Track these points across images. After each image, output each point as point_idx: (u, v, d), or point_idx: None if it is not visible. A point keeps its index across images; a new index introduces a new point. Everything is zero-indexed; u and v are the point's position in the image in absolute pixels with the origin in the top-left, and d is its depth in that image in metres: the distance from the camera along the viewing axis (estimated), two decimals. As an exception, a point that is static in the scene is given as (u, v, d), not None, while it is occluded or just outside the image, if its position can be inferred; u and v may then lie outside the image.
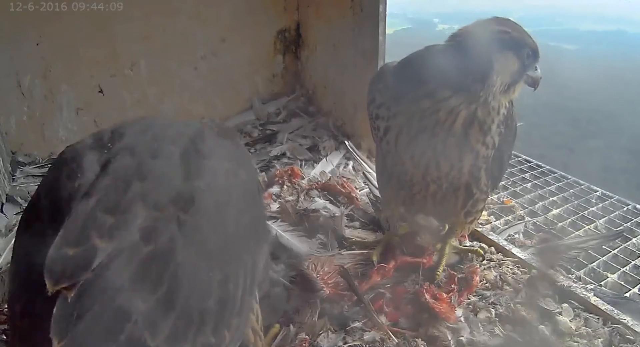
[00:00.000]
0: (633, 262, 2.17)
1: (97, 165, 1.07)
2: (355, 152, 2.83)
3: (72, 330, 0.82)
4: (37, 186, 2.79)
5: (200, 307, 0.95)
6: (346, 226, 2.26)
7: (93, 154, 1.11)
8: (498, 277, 1.96)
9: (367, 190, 2.58)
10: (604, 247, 2.23)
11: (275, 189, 2.59)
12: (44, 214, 1.05)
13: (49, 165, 2.85)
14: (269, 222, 2.21)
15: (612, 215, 2.55)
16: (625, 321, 1.72)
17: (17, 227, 1.16)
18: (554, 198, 2.70)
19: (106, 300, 0.85)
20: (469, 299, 1.86)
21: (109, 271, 0.88)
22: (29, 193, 2.65)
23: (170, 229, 0.96)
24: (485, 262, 2.07)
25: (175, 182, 1.05)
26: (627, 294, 1.96)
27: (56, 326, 0.82)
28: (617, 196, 2.72)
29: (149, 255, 0.92)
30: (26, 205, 1.18)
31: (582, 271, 2.08)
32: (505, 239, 2.24)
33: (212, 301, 0.97)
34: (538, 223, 2.46)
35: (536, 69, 1.57)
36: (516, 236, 2.33)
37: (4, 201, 2.50)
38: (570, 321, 1.74)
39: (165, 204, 0.99)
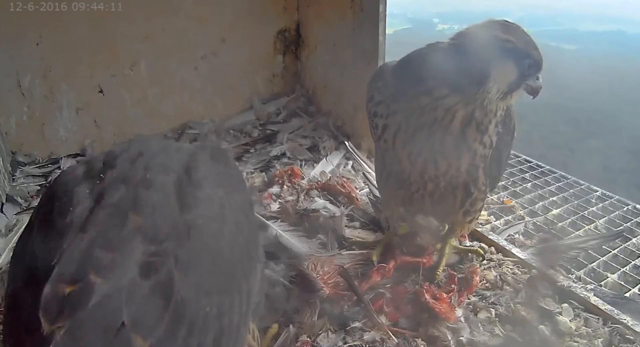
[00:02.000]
0: (633, 262, 2.17)
1: (90, 198, 1.06)
2: (355, 152, 2.83)
3: None
4: (36, 187, 2.79)
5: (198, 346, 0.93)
6: (346, 226, 2.26)
7: (84, 185, 1.10)
8: (498, 277, 1.96)
9: (367, 190, 2.58)
10: (604, 247, 2.23)
11: (275, 189, 2.59)
12: (36, 250, 1.02)
13: (48, 165, 2.88)
14: (269, 222, 2.21)
15: (612, 215, 2.55)
16: (625, 321, 1.72)
17: (9, 262, 1.14)
18: (554, 198, 2.70)
19: (105, 341, 0.83)
20: (469, 299, 1.86)
21: (107, 310, 0.86)
22: (29, 193, 2.65)
23: (167, 265, 0.94)
24: (485, 262, 2.07)
25: (171, 214, 1.04)
26: (627, 294, 1.96)
27: None
28: (617, 196, 2.71)
29: (148, 293, 0.90)
30: (18, 240, 1.16)
31: (582, 271, 2.08)
32: (505, 239, 2.24)
33: (209, 338, 0.96)
34: (538, 223, 2.46)
35: (537, 79, 1.54)
36: (516, 236, 2.33)
37: (4, 201, 2.50)
38: (570, 321, 1.74)
39: (162, 238, 0.98)
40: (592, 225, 2.45)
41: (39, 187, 2.72)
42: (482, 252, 2.11)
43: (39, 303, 0.86)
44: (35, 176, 2.83)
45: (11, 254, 2.05)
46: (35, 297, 0.87)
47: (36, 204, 2.47)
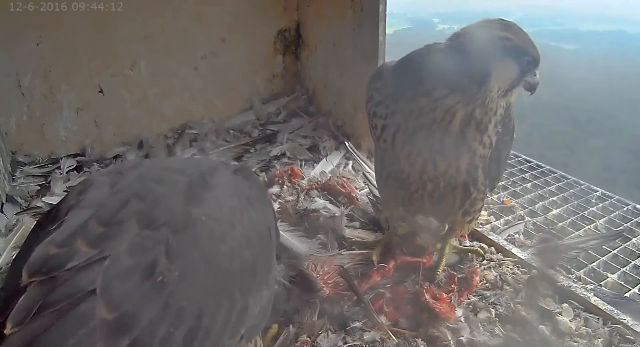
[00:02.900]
0: (633, 262, 2.17)
1: (106, 186, 1.12)
2: (355, 152, 2.83)
3: (30, 321, 0.83)
4: (36, 187, 2.79)
5: (164, 336, 0.91)
6: (346, 226, 2.26)
7: (108, 177, 1.18)
8: (498, 277, 1.96)
9: (367, 190, 2.58)
10: (604, 247, 2.23)
11: (275, 189, 2.59)
12: (47, 222, 1.09)
13: (48, 165, 2.89)
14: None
15: (612, 215, 2.55)
16: (625, 321, 1.72)
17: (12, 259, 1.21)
18: (554, 198, 2.70)
19: (70, 301, 0.86)
20: (469, 299, 1.86)
21: (84, 274, 0.89)
22: (29, 193, 2.65)
23: (156, 250, 0.96)
24: (485, 262, 2.07)
25: (174, 207, 1.07)
26: (627, 294, 1.96)
27: (16, 313, 0.84)
28: (617, 196, 2.71)
29: (128, 270, 0.92)
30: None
31: (582, 271, 2.08)
32: (505, 239, 2.24)
33: (178, 332, 0.93)
34: (538, 223, 2.46)
35: (535, 75, 1.56)
36: (516, 236, 2.33)
37: (4, 201, 2.49)
38: (570, 321, 1.74)
39: (159, 225, 1.00)
40: (592, 225, 2.45)
41: (39, 187, 2.72)
42: (482, 252, 2.11)
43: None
44: (35, 175, 2.83)
45: (11, 253, 2.06)
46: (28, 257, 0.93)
47: (37, 204, 2.48)
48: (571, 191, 2.78)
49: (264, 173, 2.80)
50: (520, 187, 2.81)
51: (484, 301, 1.84)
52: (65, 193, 1.18)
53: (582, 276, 2.06)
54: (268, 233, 1.30)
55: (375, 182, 2.29)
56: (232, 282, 1.09)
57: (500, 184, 2.70)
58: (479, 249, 2.12)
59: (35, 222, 1.22)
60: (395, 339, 1.65)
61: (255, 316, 1.18)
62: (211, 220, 1.08)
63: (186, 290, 0.96)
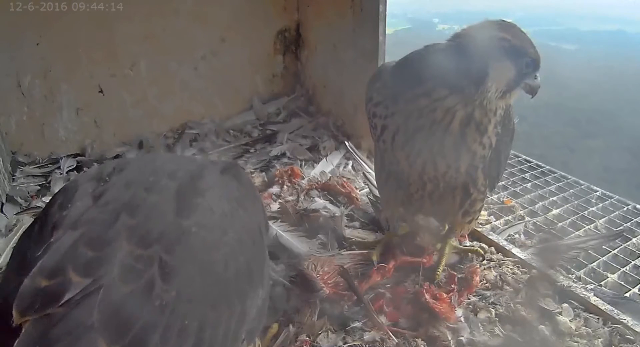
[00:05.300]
0: (633, 262, 2.17)
1: (90, 197, 1.06)
2: (355, 152, 2.84)
3: None
4: (36, 187, 2.79)
5: None
6: (346, 226, 2.26)
7: (89, 185, 1.11)
8: (498, 277, 1.96)
9: (367, 190, 2.58)
10: (604, 247, 2.23)
11: (275, 189, 2.59)
12: (31, 242, 1.03)
13: (48, 165, 2.89)
14: (269, 222, 2.21)
15: (612, 215, 2.55)
16: (625, 321, 1.72)
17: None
18: (554, 198, 2.70)
19: (70, 340, 0.82)
20: (469, 299, 1.86)
21: (79, 308, 0.85)
22: (29, 193, 2.65)
23: (150, 270, 0.92)
24: (485, 262, 2.07)
25: (165, 219, 1.02)
26: (627, 294, 1.96)
27: None
28: (617, 196, 2.71)
29: (124, 298, 0.88)
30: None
31: (582, 271, 2.08)
32: (505, 239, 2.24)
33: None
34: (538, 223, 2.46)
35: (536, 78, 1.55)
36: (516, 236, 2.33)
37: (4, 201, 2.50)
38: (570, 321, 1.74)
39: (150, 241, 0.96)
40: (592, 225, 2.45)
41: (39, 187, 2.72)
42: (482, 252, 2.11)
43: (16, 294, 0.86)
44: (35, 175, 2.83)
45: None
46: (16, 287, 0.87)
47: (37, 204, 2.47)
48: (571, 191, 2.78)
49: (264, 173, 2.80)
50: (520, 187, 2.81)
51: (484, 301, 1.85)
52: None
53: (582, 276, 2.06)
54: (259, 232, 1.28)
55: (375, 182, 2.29)
56: (229, 289, 1.07)
57: (500, 184, 2.70)
58: (479, 249, 2.12)
59: (22, 234, 1.15)
60: (395, 339, 1.65)
61: (253, 319, 1.17)
62: (202, 229, 1.05)
63: (185, 308, 0.94)
